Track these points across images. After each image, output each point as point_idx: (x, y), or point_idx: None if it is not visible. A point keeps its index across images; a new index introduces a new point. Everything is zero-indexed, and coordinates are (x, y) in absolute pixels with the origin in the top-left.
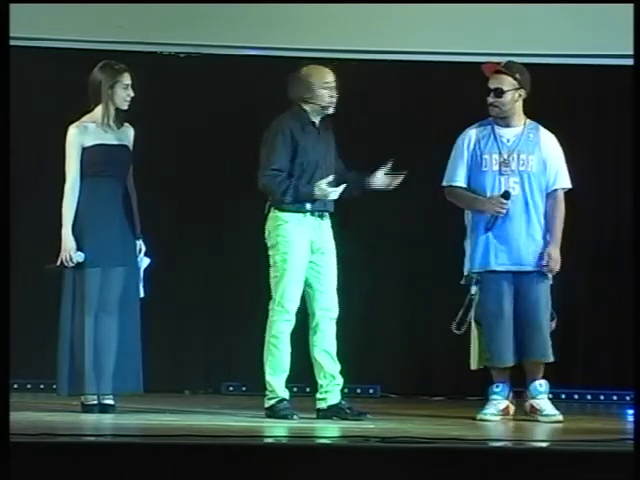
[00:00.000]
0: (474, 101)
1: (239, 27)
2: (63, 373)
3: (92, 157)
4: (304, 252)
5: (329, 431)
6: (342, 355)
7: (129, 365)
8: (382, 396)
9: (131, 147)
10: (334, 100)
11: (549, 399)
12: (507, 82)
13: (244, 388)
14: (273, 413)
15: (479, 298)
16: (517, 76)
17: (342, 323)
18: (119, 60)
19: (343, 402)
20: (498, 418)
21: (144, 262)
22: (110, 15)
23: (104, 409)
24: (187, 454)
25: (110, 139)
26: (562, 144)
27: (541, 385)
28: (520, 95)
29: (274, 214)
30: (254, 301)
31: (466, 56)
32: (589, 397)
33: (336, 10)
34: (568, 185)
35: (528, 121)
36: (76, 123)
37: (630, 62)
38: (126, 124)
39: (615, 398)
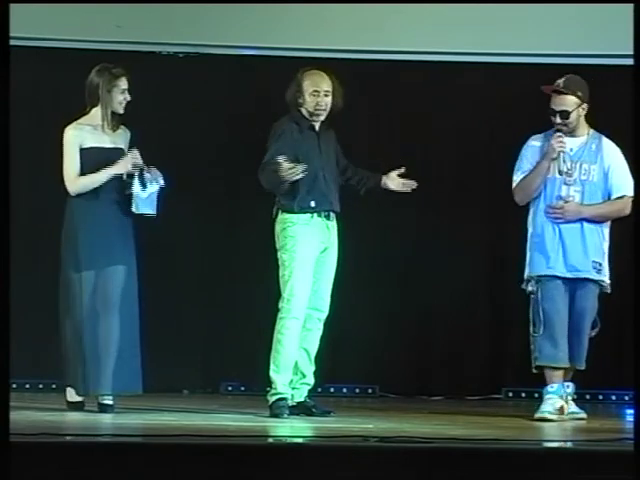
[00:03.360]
0: (486, 102)
1: (239, 27)
2: (78, 373)
3: (89, 159)
4: (311, 251)
5: (329, 431)
6: (342, 355)
7: (128, 366)
8: (381, 396)
9: (127, 150)
10: (322, 108)
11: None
12: (570, 102)
13: (243, 388)
14: (270, 410)
15: (536, 301)
16: (579, 94)
17: (342, 323)
18: (118, 60)
19: (308, 400)
20: (555, 417)
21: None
22: (110, 15)
23: (103, 409)
24: (186, 454)
25: (106, 142)
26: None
27: (568, 387)
28: (583, 109)
29: (282, 216)
30: (253, 301)
31: (466, 56)
32: (588, 397)
33: (336, 10)
34: (631, 192)
35: (592, 131)
36: (73, 124)
37: (630, 62)
38: (122, 127)
39: (614, 398)
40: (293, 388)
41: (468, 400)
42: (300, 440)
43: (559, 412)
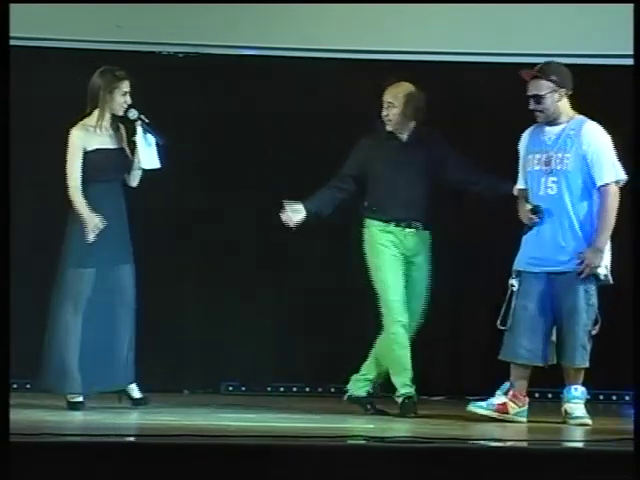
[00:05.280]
0: (486, 102)
1: (239, 27)
2: (51, 370)
3: (93, 161)
4: (391, 259)
5: (329, 431)
6: (342, 355)
7: (118, 362)
8: (382, 396)
9: (127, 149)
10: (388, 119)
11: (585, 404)
12: (544, 86)
13: (243, 388)
14: (399, 410)
15: (512, 295)
16: (553, 77)
17: (342, 323)
18: (118, 60)
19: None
20: (485, 412)
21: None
22: (110, 15)
23: (75, 407)
24: (186, 454)
25: (109, 143)
26: None
27: (576, 389)
28: (561, 95)
29: (364, 227)
30: (254, 301)
31: (466, 56)
32: (588, 397)
33: (336, 10)
34: (613, 178)
35: (575, 118)
36: (78, 125)
37: (630, 62)
38: (121, 127)
39: (614, 398)
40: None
41: (469, 400)
42: (301, 440)
43: (494, 409)
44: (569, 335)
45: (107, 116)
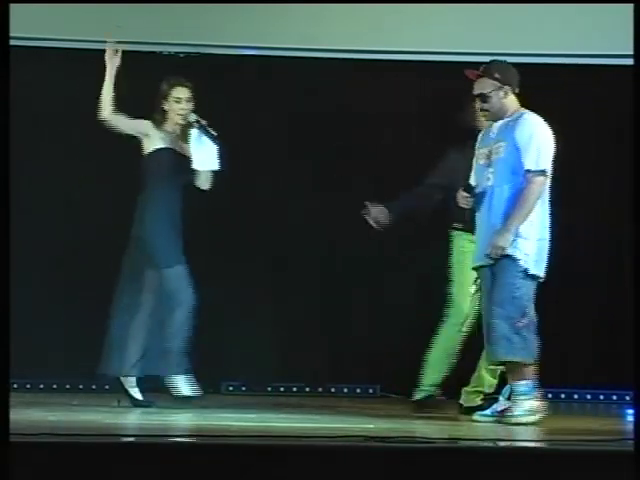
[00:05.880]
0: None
1: (239, 27)
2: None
3: (155, 162)
4: (464, 267)
5: (329, 431)
6: (343, 355)
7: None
8: (382, 396)
9: (188, 154)
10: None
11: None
12: (488, 85)
13: (244, 388)
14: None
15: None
16: (496, 75)
17: (343, 324)
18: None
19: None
20: (494, 419)
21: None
22: (110, 15)
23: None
24: (186, 454)
25: (169, 145)
26: (562, 143)
27: (520, 385)
28: (506, 92)
29: (452, 237)
30: (254, 301)
31: (466, 56)
32: (589, 397)
33: (336, 10)
34: (534, 167)
35: (518, 112)
36: (150, 122)
37: (630, 62)
38: (183, 130)
39: (615, 398)
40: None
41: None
42: (301, 440)
43: (499, 415)
44: (491, 328)
45: (167, 121)
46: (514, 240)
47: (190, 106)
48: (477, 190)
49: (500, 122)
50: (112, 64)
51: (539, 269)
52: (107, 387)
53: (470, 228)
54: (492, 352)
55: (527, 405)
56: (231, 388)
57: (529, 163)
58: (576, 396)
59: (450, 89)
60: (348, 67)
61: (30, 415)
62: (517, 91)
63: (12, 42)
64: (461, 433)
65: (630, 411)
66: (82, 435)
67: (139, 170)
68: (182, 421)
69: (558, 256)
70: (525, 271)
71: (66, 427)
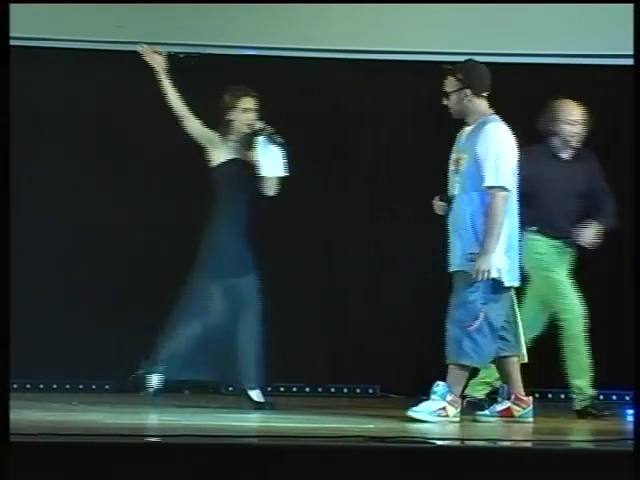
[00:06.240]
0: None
1: (239, 27)
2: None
3: (225, 174)
4: (557, 267)
5: (329, 431)
6: (343, 355)
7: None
8: (382, 396)
9: (253, 162)
10: (574, 137)
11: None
12: (450, 83)
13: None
14: (587, 414)
15: None
16: (459, 76)
17: (343, 324)
18: (119, 60)
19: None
20: (494, 419)
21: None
22: (110, 15)
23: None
24: (186, 454)
25: (236, 155)
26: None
27: (437, 385)
28: (467, 95)
29: (527, 237)
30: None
31: (466, 56)
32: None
33: (336, 10)
34: (493, 183)
35: (484, 118)
36: (217, 134)
37: (630, 62)
38: (249, 139)
39: (615, 398)
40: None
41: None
42: (301, 440)
43: (499, 415)
44: (447, 331)
45: (233, 131)
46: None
47: (256, 115)
48: (449, 195)
49: (468, 129)
50: (158, 63)
51: (512, 279)
52: (107, 387)
53: (547, 230)
54: (446, 354)
55: (435, 406)
56: (231, 388)
57: (488, 179)
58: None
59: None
60: (347, 67)
61: (30, 415)
62: (486, 94)
63: (12, 42)
64: (461, 433)
65: (630, 411)
66: (82, 435)
67: (208, 181)
68: (182, 421)
69: None
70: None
71: (66, 427)
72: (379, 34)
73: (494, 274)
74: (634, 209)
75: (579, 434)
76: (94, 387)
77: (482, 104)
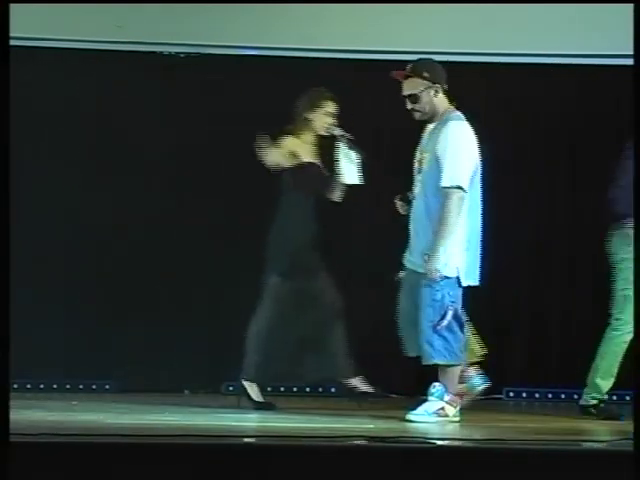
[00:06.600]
0: (486, 102)
1: (239, 27)
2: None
3: (299, 176)
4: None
5: (329, 431)
6: (343, 355)
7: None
8: (382, 396)
9: (323, 166)
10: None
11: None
12: (418, 84)
13: None
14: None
15: None
16: (425, 74)
17: (343, 323)
18: (119, 60)
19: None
20: (428, 419)
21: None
22: (110, 15)
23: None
24: (187, 454)
25: (310, 158)
26: (562, 143)
27: (434, 387)
28: (436, 91)
29: (624, 231)
30: (254, 301)
31: (466, 56)
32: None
33: (336, 10)
34: (449, 183)
35: (448, 114)
36: (293, 137)
37: (630, 62)
38: (323, 143)
39: (615, 398)
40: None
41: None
42: (301, 440)
43: (435, 415)
44: (415, 332)
45: (308, 130)
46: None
47: (335, 121)
48: (412, 194)
49: (430, 126)
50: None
51: (470, 279)
52: (107, 387)
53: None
54: (421, 355)
55: (434, 407)
56: (231, 388)
57: (444, 179)
58: (576, 396)
59: (450, 89)
60: (347, 67)
61: (30, 415)
62: (446, 88)
63: (12, 42)
64: (459, 433)
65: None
66: (82, 435)
67: (279, 182)
68: (182, 421)
69: (559, 257)
70: (448, 277)
71: (66, 427)
72: (379, 34)
73: (453, 273)
74: (634, 209)
75: (579, 434)
76: (94, 387)
77: (445, 100)
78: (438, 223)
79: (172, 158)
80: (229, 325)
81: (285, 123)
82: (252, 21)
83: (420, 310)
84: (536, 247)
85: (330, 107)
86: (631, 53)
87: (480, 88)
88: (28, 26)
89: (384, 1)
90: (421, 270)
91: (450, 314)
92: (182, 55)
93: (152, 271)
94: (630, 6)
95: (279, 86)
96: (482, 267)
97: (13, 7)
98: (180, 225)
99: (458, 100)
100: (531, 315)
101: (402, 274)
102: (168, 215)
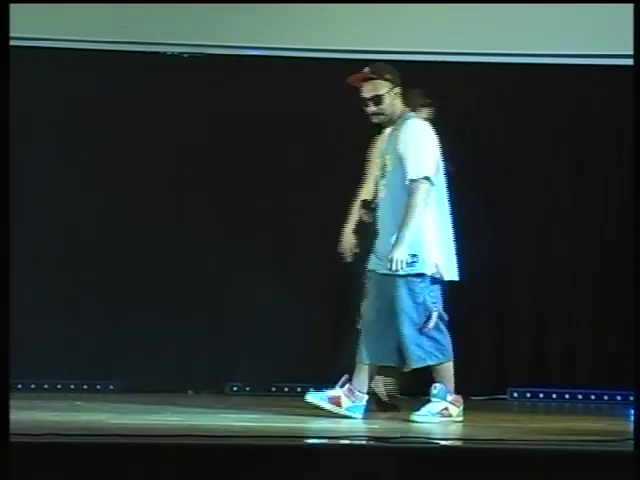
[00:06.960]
0: (486, 102)
1: (239, 27)
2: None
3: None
4: None
5: (329, 431)
6: (343, 355)
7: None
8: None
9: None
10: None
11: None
12: (382, 86)
13: (248, 388)
14: None
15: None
16: (387, 76)
17: (343, 324)
18: (119, 60)
19: None
20: (320, 403)
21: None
22: (111, 15)
23: None
24: (190, 454)
25: None
26: (562, 143)
27: (434, 387)
28: (396, 93)
29: None
30: (257, 301)
31: (466, 56)
32: (593, 397)
33: (336, 10)
34: (415, 176)
35: (404, 115)
36: None
37: (630, 62)
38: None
39: (619, 398)
40: None
41: (472, 400)
42: (301, 441)
43: (327, 401)
44: (398, 336)
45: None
46: (416, 256)
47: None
48: (376, 201)
49: (389, 130)
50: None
51: (450, 274)
52: (111, 387)
53: None
54: (406, 359)
55: (437, 407)
56: (235, 389)
57: (411, 172)
58: (580, 396)
59: (450, 89)
60: (347, 67)
61: (33, 415)
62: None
63: (12, 42)
64: (462, 433)
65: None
66: (84, 435)
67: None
68: (186, 422)
69: (561, 257)
70: (426, 278)
71: (69, 427)
72: (379, 34)
73: (431, 270)
74: (635, 208)
75: (579, 434)
76: (98, 387)
77: (401, 102)
78: (404, 214)
79: (172, 158)
80: (233, 325)
81: (285, 123)
82: (252, 21)
83: (398, 315)
84: (538, 247)
85: (426, 114)
86: (631, 53)
87: (480, 88)
88: (28, 26)
89: (384, 1)
90: (385, 270)
91: (435, 315)
92: (182, 55)
93: (156, 271)
94: (630, 6)
95: (279, 86)
96: (486, 267)
97: (13, 7)
98: (182, 225)
99: (459, 100)
100: (535, 315)
101: (367, 279)
102: (169, 215)
